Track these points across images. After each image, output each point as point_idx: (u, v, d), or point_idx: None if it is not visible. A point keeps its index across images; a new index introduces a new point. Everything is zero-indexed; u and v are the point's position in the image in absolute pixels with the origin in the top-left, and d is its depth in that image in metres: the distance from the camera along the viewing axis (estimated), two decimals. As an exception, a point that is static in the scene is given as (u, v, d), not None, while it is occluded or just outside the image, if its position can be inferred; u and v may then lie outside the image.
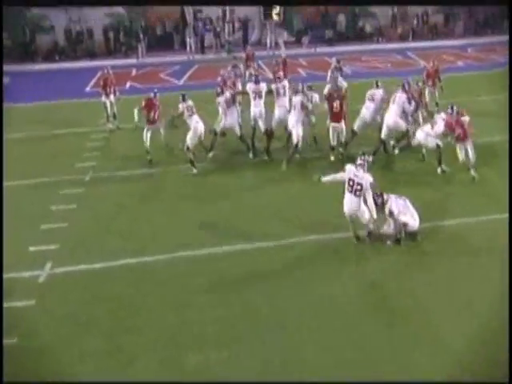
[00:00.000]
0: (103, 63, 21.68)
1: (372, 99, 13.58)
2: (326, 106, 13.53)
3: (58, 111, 18.86)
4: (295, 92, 13.59)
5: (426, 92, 15.57)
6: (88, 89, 22.12)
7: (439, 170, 12.46)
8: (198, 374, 7.06)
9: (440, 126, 12.23)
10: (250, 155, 13.87)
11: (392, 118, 13.10)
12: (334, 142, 13.42)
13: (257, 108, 13.82)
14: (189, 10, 29.85)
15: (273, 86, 13.99)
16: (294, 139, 12.96)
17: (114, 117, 16.47)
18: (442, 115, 12.47)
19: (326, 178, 9.86)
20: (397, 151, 13.58)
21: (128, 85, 22.26)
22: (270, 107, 14.02)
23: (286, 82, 14.12)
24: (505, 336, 6.79)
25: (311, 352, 7.32)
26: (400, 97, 13.21)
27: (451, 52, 27.63)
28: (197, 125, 13.04)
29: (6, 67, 23.74)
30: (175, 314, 8.15)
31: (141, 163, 13.55)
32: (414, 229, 9.66)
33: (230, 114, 13.58)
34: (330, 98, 13.43)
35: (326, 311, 8.10)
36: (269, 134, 13.87)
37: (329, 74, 15.76)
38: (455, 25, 32.77)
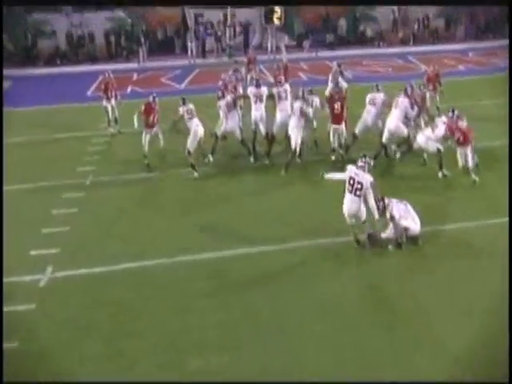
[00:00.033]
0: (104, 67, 21.72)
1: (373, 103, 13.54)
2: (327, 109, 13.56)
3: (60, 115, 18.88)
4: (295, 97, 13.59)
5: (427, 96, 15.53)
6: (89, 93, 22.14)
7: (440, 175, 12.45)
8: (198, 379, 7.05)
9: (441, 130, 12.24)
10: (251, 159, 13.87)
11: (394, 122, 13.09)
12: (334, 144, 13.46)
13: (257, 112, 13.84)
14: (190, 14, 29.93)
15: (274, 90, 14.01)
16: (292, 145, 12.95)
17: (116, 121, 16.47)
18: (443, 118, 12.48)
19: (328, 175, 10.02)
20: (398, 155, 13.56)
21: (129, 89, 22.28)
22: (270, 111, 14.04)
23: (287, 86, 14.14)
24: (505, 337, 6.79)
25: (312, 355, 7.31)
26: (402, 101, 13.18)
27: (452, 56, 27.65)
28: (197, 128, 13.05)
29: (8, 71, 23.96)
30: (176, 318, 8.14)
31: (142, 167, 13.56)
32: (415, 233, 9.66)
33: (231, 117, 13.59)
34: (331, 100, 13.45)
35: (327, 314, 8.10)
36: (270, 138, 13.89)
37: (330, 77, 15.75)
38: (456, 29, 32.77)
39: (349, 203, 9.51)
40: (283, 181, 12.75)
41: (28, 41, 28.50)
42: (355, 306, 8.29)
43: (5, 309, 7.87)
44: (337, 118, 13.30)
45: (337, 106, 13.21)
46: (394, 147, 13.67)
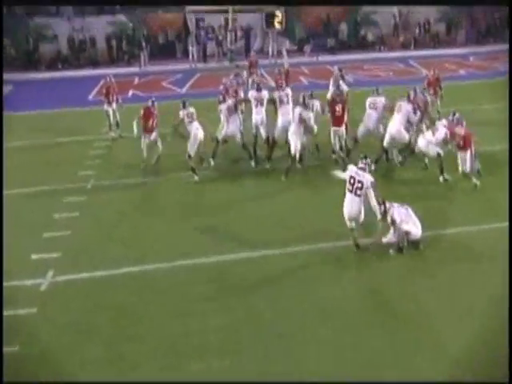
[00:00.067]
0: (106, 71, 21.77)
1: (374, 107, 13.50)
2: (328, 114, 13.58)
3: (61, 119, 18.91)
4: (296, 103, 13.58)
5: (429, 100, 15.52)
6: (91, 97, 22.19)
7: (441, 179, 12.45)
8: (199, 382, 7.06)
9: (441, 133, 12.24)
10: (252, 163, 13.88)
11: (395, 127, 13.05)
12: (335, 147, 13.52)
13: (258, 115, 13.86)
14: (191, 19, 30.01)
15: (276, 94, 14.04)
16: (292, 150, 12.95)
17: (117, 125, 16.48)
18: (444, 122, 12.49)
19: (334, 172, 10.19)
20: (400, 159, 13.54)
21: (130, 93, 22.33)
22: (271, 115, 14.06)
23: (289, 90, 14.18)
24: (505, 338, 6.80)
25: (313, 359, 7.31)
26: (405, 107, 13.13)
27: (453, 61, 27.69)
28: (196, 131, 13.06)
29: (10, 76, 24.04)
30: (177, 322, 8.14)
31: (143, 171, 13.56)
32: (416, 237, 9.66)
33: (232, 121, 13.59)
34: (332, 103, 13.48)
35: (328, 318, 8.10)
36: (271, 142, 13.90)
37: (331, 81, 15.77)
38: (457, 33, 32.83)
39: (349, 205, 9.52)
40: (284, 185, 12.75)
41: (30, 45, 28.58)
42: (356, 309, 8.29)
43: (6, 313, 7.88)
44: (337, 121, 13.33)
45: (338, 108, 13.24)
46: (395, 153, 13.63)
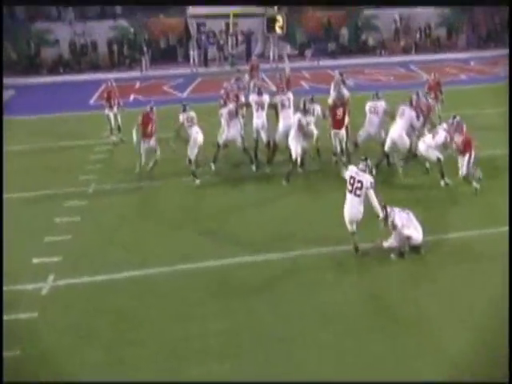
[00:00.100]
0: (107, 76, 21.81)
1: (375, 112, 13.45)
2: (329, 118, 13.59)
3: (62, 124, 18.94)
4: (296, 108, 13.58)
5: (432, 104, 15.50)
6: (92, 101, 22.23)
7: (442, 183, 12.45)
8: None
9: (441, 136, 12.22)
10: (253, 168, 13.89)
11: (397, 132, 12.96)
12: (336, 149, 13.57)
13: (259, 119, 13.87)
14: (192, 24, 30.09)
15: (278, 98, 14.06)
16: (293, 155, 12.96)
17: (119, 129, 16.48)
18: (444, 125, 12.48)
19: (342, 171, 10.17)
20: (402, 163, 13.48)
21: (132, 97, 22.35)
22: (272, 120, 14.07)
23: (290, 95, 14.19)
24: (505, 338, 6.83)
25: (314, 363, 7.31)
26: (408, 112, 13.05)
27: (454, 65, 27.71)
28: (196, 135, 13.05)
29: (12, 80, 24.14)
30: (177, 326, 8.14)
31: (144, 175, 13.55)
32: (417, 242, 9.65)
33: (233, 126, 13.58)
34: (333, 107, 13.50)
35: (329, 322, 8.09)
36: (272, 146, 13.91)
37: (332, 86, 15.79)
38: (458, 38, 32.88)
39: (349, 206, 9.54)
40: (285, 190, 12.76)
41: (31, 49, 28.65)
42: (357, 314, 8.28)
43: (7, 317, 7.87)
44: (338, 124, 13.38)
45: (339, 112, 13.28)
46: (396, 157, 13.59)
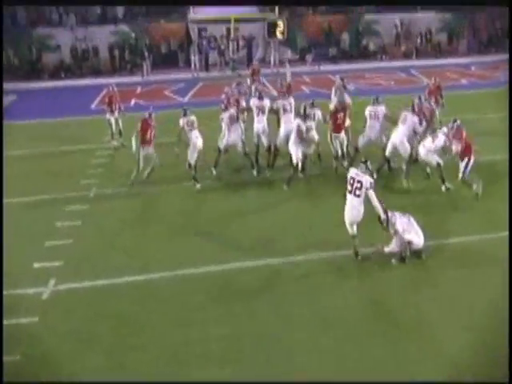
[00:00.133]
0: (108, 81, 21.93)
1: (376, 117, 13.42)
2: (330, 122, 13.62)
3: (64, 128, 18.98)
4: (296, 113, 13.60)
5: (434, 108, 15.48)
6: (93, 106, 22.28)
7: (443, 188, 12.44)
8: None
9: (440, 140, 12.21)
10: (254, 172, 13.90)
11: (399, 137, 12.90)
12: (337, 153, 13.60)
13: (260, 124, 13.89)
14: (193, 29, 30.17)
15: (279, 102, 14.07)
16: (294, 160, 12.97)
17: (120, 134, 16.51)
18: (444, 129, 12.47)
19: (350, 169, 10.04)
20: (405, 169, 13.42)
21: (133, 102, 22.41)
22: (273, 124, 14.08)
23: (291, 99, 14.20)
24: (504, 338, 6.85)
25: (315, 368, 7.29)
26: (411, 118, 13.00)
27: (455, 70, 27.78)
28: (196, 140, 13.06)
29: (13, 85, 24.23)
30: (178, 331, 8.13)
31: (145, 180, 13.55)
32: (418, 247, 9.64)
33: (234, 130, 13.59)
34: (335, 112, 13.53)
35: (330, 327, 8.08)
36: (273, 150, 13.92)
37: (333, 91, 15.83)
38: (459, 43, 32.97)
39: (349, 208, 9.53)
40: (287, 195, 12.76)
41: (33, 55, 28.78)
42: (358, 318, 8.27)
43: (7, 321, 7.85)
44: (338, 127, 13.46)
45: (340, 116, 13.33)
46: (402, 162, 13.56)
